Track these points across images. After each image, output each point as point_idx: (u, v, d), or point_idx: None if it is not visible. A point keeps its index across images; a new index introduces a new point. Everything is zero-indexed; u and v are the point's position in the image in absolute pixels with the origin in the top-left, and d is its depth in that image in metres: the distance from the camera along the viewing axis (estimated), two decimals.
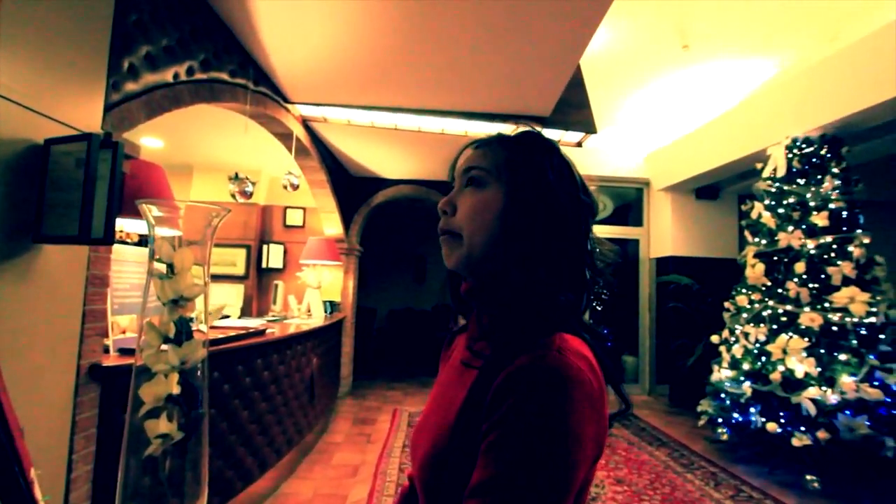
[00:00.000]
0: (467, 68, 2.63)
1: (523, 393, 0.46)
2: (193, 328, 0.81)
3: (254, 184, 2.99)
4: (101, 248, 1.40)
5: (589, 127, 3.24)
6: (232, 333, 2.27)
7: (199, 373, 0.81)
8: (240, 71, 2.45)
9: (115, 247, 1.61)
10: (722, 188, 5.31)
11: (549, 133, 3.36)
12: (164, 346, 0.75)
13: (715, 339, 3.80)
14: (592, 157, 5.57)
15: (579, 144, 3.53)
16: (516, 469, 0.44)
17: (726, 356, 3.58)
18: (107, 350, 1.57)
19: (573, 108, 3.16)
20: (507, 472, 0.44)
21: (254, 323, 3.00)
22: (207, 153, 4.89)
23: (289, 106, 3.21)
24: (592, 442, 0.47)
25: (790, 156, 3.47)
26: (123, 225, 1.82)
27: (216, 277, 5.34)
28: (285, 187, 3.46)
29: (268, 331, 2.72)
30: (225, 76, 2.29)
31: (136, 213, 1.69)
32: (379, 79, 2.82)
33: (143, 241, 1.94)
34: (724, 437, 3.49)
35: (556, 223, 0.57)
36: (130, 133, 1.67)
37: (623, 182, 5.81)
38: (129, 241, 1.89)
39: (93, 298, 1.39)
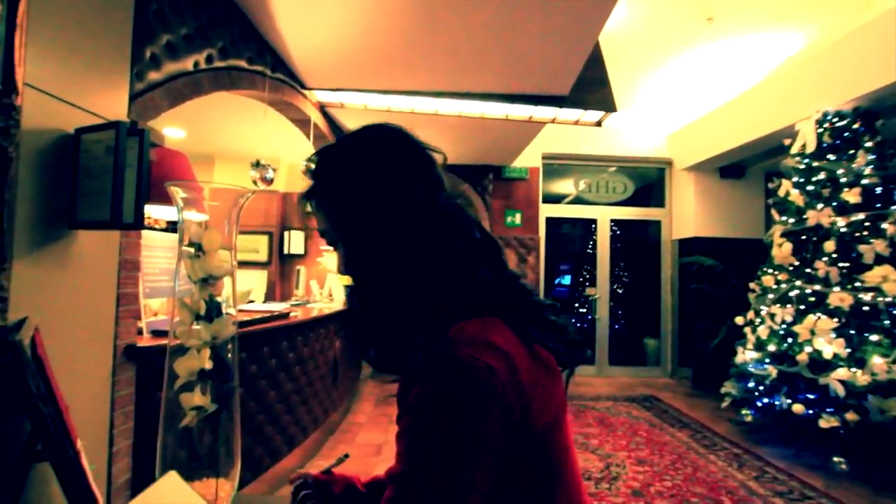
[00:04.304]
0: (483, 49, 2.59)
1: (416, 391, 0.48)
2: (223, 310, 0.84)
3: (274, 170, 3.03)
4: (132, 233, 1.45)
5: (609, 105, 3.17)
6: (257, 316, 2.33)
7: (228, 349, 0.84)
8: (257, 58, 2.47)
9: (145, 233, 1.66)
10: (748, 166, 5.16)
11: (569, 112, 3.30)
12: (195, 324, 0.78)
13: (739, 320, 3.74)
14: (613, 138, 5.46)
15: (599, 124, 3.47)
16: (413, 463, 0.47)
17: (751, 338, 3.52)
18: (140, 332, 1.63)
19: (592, 87, 3.10)
20: (406, 466, 0.47)
21: (278, 307, 3.07)
22: (228, 142, 4.96)
23: (306, 92, 3.22)
24: (497, 423, 0.46)
25: (820, 130, 3.34)
26: (151, 211, 1.87)
27: (241, 264, 5.47)
28: (304, 173, 3.50)
29: (291, 314, 2.78)
30: (243, 63, 2.31)
31: (163, 200, 1.74)
32: (394, 62, 2.81)
33: (171, 227, 2.00)
34: (749, 418, 3.45)
35: (393, 233, 0.55)
36: (154, 122, 1.72)
37: (644, 162, 5.70)
38: (157, 227, 1.95)
39: (126, 282, 1.45)
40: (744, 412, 3.47)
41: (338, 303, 4.12)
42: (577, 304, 6.31)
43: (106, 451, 1.37)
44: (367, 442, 3.23)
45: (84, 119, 1.26)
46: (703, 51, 3.61)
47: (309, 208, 0.61)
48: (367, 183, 0.55)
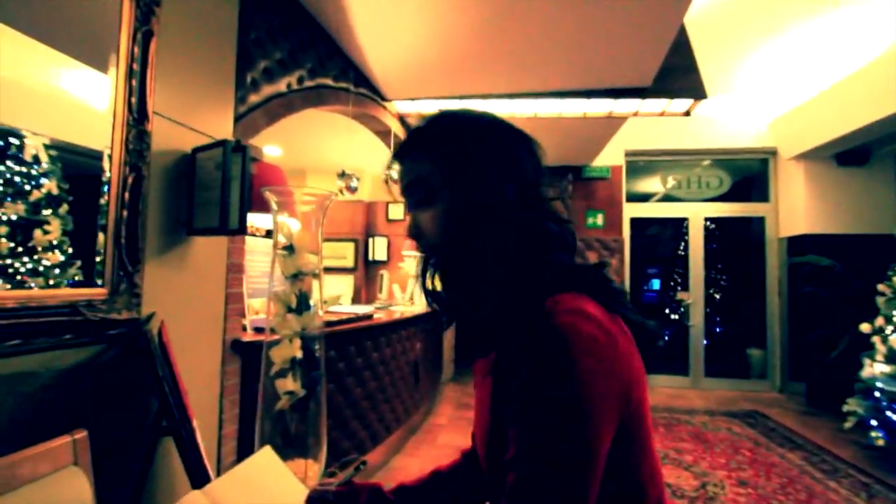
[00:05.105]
0: (558, 45, 2.54)
1: (524, 365, 0.48)
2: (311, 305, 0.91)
3: (358, 179, 3.22)
4: (237, 238, 1.63)
5: (698, 93, 2.95)
6: (344, 317, 2.48)
7: (317, 347, 0.92)
8: (342, 75, 2.64)
9: (247, 239, 1.85)
10: (873, 151, 4.50)
11: (652, 103, 3.13)
12: (288, 316, 0.87)
13: (865, 328, 3.26)
14: (705, 128, 5.06)
15: (687, 113, 3.24)
16: (534, 438, 0.46)
17: (881, 348, 3.06)
18: (244, 328, 1.82)
19: (678, 74, 2.90)
20: (527, 441, 0.46)
21: (363, 309, 3.24)
22: (318, 156, 5.36)
23: (386, 104, 3.38)
24: (607, 389, 0.46)
25: None
26: (253, 220, 2.08)
27: (329, 270, 5.85)
28: (385, 182, 3.68)
29: (375, 315, 2.92)
30: (329, 81, 2.49)
31: (262, 209, 1.92)
32: (469, 67, 2.86)
33: (269, 234, 2.21)
34: (880, 442, 2.99)
35: (505, 197, 0.56)
36: (255, 140, 1.91)
37: (743, 153, 5.20)
38: (258, 234, 2.17)
39: (232, 283, 1.63)
40: (873, 434, 3.01)
41: (419, 306, 4.24)
42: (667, 310, 5.91)
43: (216, 434, 1.55)
44: (448, 443, 3.28)
45: (198, 140, 1.44)
46: (812, 24, 3.23)
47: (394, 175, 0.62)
48: (488, 148, 0.58)
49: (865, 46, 3.50)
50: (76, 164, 1.15)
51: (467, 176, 0.57)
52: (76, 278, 1.08)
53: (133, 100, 1.18)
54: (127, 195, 1.14)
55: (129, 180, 1.15)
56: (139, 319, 1.15)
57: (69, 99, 1.14)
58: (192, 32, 1.46)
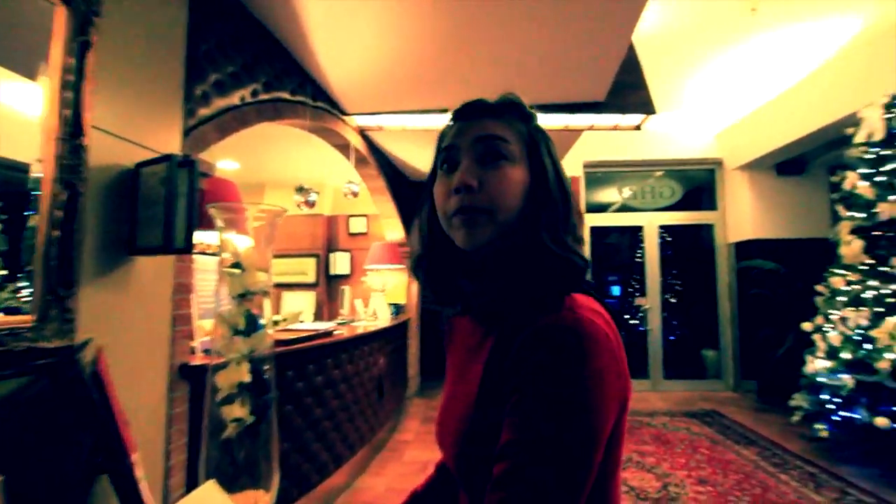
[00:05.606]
0: (515, 62, 2.60)
1: (542, 353, 0.47)
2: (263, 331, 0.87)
3: (317, 193, 3.17)
4: (185, 257, 1.56)
5: (648, 108, 3.08)
6: (303, 335, 2.41)
7: (266, 368, 0.88)
8: (299, 89, 2.60)
9: (198, 257, 1.77)
10: (808, 161, 4.83)
11: (606, 118, 3.24)
12: (235, 338, 0.83)
13: (807, 326, 3.46)
14: (656, 141, 5.29)
15: (638, 127, 3.37)
16: (542, 426, 0.44)
17: (821, 345, 3.25)
18: (193, 351, 1.73)
19: (629, 90, 3.03)
20: (533, 429, 0.45)
21: (323, 326, 3.16)
22: (276, 170, 5.23)
23: (346, 118, 3.35)
24: (615, 391, 0.47)
25: (889, 116, 3.09)
26: (203, 237, 2.00)
27: (290, 286, 5.69)
28: (346, 195, 3.63)
29: (335, 332, 2.85)
30: (286, 95, 2.44)
31: (213, 226, 1.85)
32: (427, 82, 2.88)
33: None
34: (824, 434, 3.16)
35: (567, 189, 0.60)
36: (210, 155, 1.84)
37: (692, 164, 5.47)
38: (209, 251, 2.08)
39: (180, 304, 1.55)
40: (818, 427, 3.18)
41: (382, 321, 4.18)
42: (627, 316, 6.08)
43: (162, 466, 1.45)
44: (415, 460, 3.23)
45: (143, 154, 1.38)
46: (749, 44, 3.46)
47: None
48: (552, 143, 0.63)
49: (800, 63, 3.77)
50: (13, 181, 1.07)
51: (545, 157, 0.60)
52: (10, 304, 1.00)
53: (67, 112, 1.11)
54: (60, 213, 1.07)
55: (63, 197, 1.08)
56: (72, 347, 1.07)
57: (2, 110, 1.06)
58: (137, 44, 1.39)
